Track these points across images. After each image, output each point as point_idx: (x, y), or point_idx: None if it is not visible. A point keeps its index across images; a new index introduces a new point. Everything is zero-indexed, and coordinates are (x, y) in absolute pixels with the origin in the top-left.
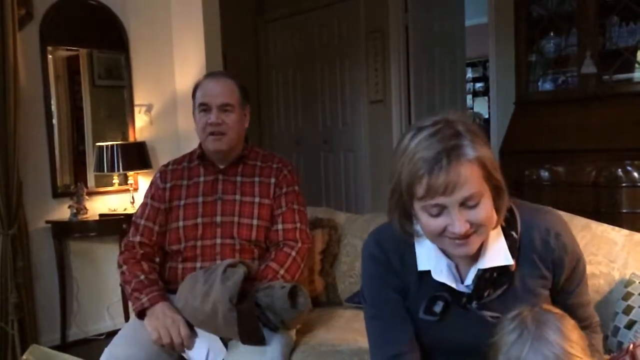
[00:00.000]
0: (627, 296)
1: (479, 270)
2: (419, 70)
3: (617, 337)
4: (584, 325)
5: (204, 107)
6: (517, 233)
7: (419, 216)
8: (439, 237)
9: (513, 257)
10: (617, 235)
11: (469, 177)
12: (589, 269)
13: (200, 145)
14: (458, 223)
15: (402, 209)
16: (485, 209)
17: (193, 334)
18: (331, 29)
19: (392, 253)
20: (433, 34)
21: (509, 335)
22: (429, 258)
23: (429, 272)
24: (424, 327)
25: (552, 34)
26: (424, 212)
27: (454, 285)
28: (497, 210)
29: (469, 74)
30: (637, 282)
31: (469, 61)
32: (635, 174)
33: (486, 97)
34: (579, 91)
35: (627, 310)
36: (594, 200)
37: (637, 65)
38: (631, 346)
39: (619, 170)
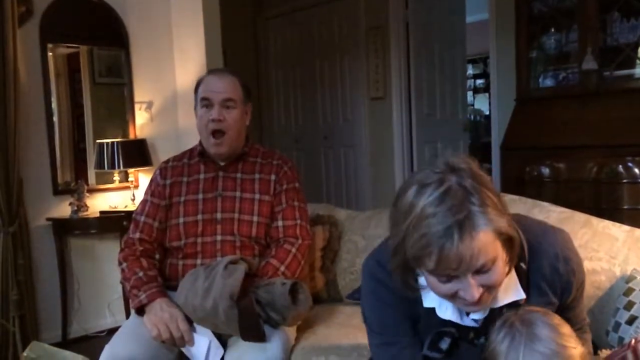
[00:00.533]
0: (629, 292)
1: (487, 310)
2: (420, 66)
3: (618, 332)
4: (576, 328)
5: (206, 103)
6: (525, 263)
7: (427, 279)
8: (449, 298)
9: (522, 288)
10: (618, 231)
11: (482, 247)
12: (590, 265)
13: (200, 142)
14: (471, 290)
15: (404, 266)
16: (499, 271)
17: (192, 330)
18: (331, 26)
19: (396, 277)
20: (434, 31)
21: (502, 344)
22: (433, 296)
23: (434, 313)
24: None
25: (552, 30)
26: (434, 277)
27: (460, 321)
28: (510, 260)
29: (470, 71)
30: (639, 277)
31: (469, 58)
32: (636, 170)
33: (487, 94)
34: (580, 87)
35: (629, 306)
36: (595, 196)
37: (638, 61)
38: (633, 341)
39: (620, 166)
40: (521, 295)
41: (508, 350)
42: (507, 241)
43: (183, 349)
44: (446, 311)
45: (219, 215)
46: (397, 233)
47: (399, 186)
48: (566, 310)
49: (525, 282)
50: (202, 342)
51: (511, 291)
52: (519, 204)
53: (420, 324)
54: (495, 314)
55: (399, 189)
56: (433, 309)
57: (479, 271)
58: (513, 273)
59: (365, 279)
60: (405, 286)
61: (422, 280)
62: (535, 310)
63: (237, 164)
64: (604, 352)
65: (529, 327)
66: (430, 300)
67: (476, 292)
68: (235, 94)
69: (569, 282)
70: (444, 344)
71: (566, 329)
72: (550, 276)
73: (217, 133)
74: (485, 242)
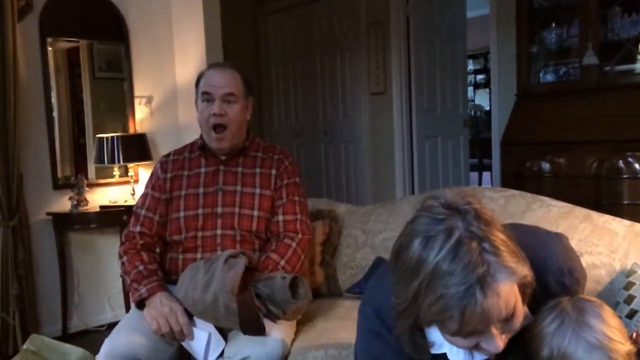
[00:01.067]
0: (629, 286)
1: None
2: (420, 62)
3: None
4: None
5: (207, 97)
6: (531, 287)
7: (444, 335)
8: (469, 349)
9: (528, 306)
10: (618, 225)
11: (506, 300)
12: (590, 259)
13: (201, 136)
14: (496, 341)
15: (413, 327)
16: (519, 313)
17: (192, 323)
18: (332, 21)
19: (404, 339)
20: (434, 26)
21: (550, 326)
22: (442, 342)
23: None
24: None
25: (553, 25)
26: (439, 328)
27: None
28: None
29: (470, 66)
30: (639, 271)
31: (470, 53)
32: (637, 166)
33: (487, 89)
34: (581, 82)
35: (629, 299)
36: (595, 191)
37: (638, 57)
38: (634, 335)
39: (620, 161)
40: (530, 318)
41: (555, 332)
42: (523, 285)
43: (183, 343)
44: (458, 354)
45: (219, 210)
46: (405, 294)
47: (396, 239)
48: None
49: (532, 300)
50: (202, 336)
51: (521, 317)
52: (519, 199)
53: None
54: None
55: (399, 242)
56: (441, 354)
57: (502, 321)
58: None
59: (361, 328)
60: (414, 348)
61: (431, 336)
62: (589, 299)
63: (238, 158)
64: None
65: (580, 314)
66: (438, 346)
67: (501, 342)
68: (237, 88)
69: (575, 292)
70: None
71: (617, 322)
72: (555, 290)
73: (218, 127)
74: (508, 293)
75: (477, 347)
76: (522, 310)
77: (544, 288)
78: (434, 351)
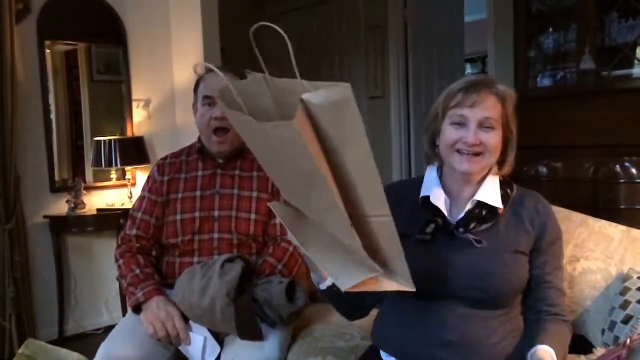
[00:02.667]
0: (625, 291)
1: (472, 201)
2: (419, 66)
3: (613, 332)
4: (555, 311)
5: (209, 101)
6: (512, 192)
7: (443, 131)
8: (452, 148)
9: (504, 206)
10: (614, 231)
11: (493, 107)
12: (587, 264)
13: (200, 139)
14: (472, 134)
15: (432, 134)
16: (496, 139)
17: (189, 328)
18: (330, 25)
19: (406, 190)
20: (432, 30)
21: None
22: (431, 186)
23: (428, 202)
24: (411, 253)
25: (551, 30)
26: (449, 122)
27: (446, 213)
28: (504, 157)
29: (468, 70)
30: (635, 277)
31: (468, 57)
32: (634, 170)
33: None
34: (578, 87)
35: (625, 305)
36: (592, 196)
37: (636, 62)
38: (628, 341)
39: (617, 166)
40: (499, 204)
41: None
42: (508, 139)
43: (180, 348)
44: (438, 200)
45: (216, 213)
46: (430, 116)
47: None
48: (540, 265)
49: (508, 204)
50: (198, 340)
51: (491, 195)
52: None
53: (414, 216)
54: (473, 215)
55: None
56: (427, 205)
57: (483, 126)
58: (498, 186)
59: None
60: (428, 151)
61: (437, 151)
62: None
63: (235, 161)
64: (600, 351)
65: None
66: (428, 189)
67: (475, 138)
68: None
69: (545, 223)
70: (429, 229)
71: None
72: (530, 211)
73: (219, 131)
74: (496, 106)
75: (457, 145)
76: (498, 143)
77: (522, 205)
78: (423, 194)
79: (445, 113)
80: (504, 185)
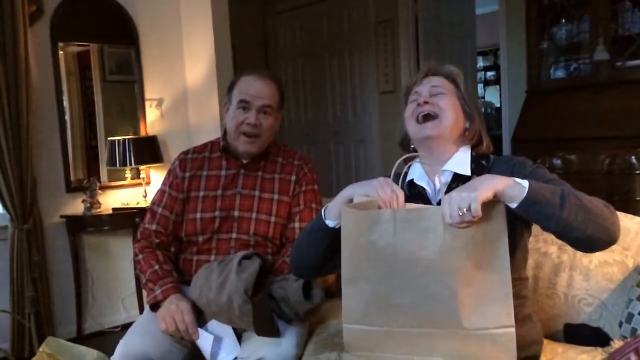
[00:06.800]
0: None
1: (443, 172)
2: (429, 59)
3: (631, 323)
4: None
5: (244, 105)
6: (488, 163)
7: (408, 108)
8: (412, 117)
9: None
10: (630, 222)
11: (444, 84)
12: (603, 257)
13: (224, 137)
14: (424, 93)
15: (401, 133)
16: (447, 102)
17: (203, 324)
18: (340, 20)
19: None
20: (443, 23)
21: None
22: (415, 172)
23: (413, 185)
24: None
25: (563, 21)
26: (410, 100)
27: (428, 190)
28: (473, 133)
29: (480, 63)
30: None
31: (479, 50)
32: None
33: (497, 86)
34: (592, 78)
35: None
36: (608, 188)
37: None
38: None
39: (633, 157)
40: (467, 172)
41: None
42: (466, 113)
43: (197, 342)
44: (421, 180)
45: (236, 213)
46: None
47: None
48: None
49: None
50: (208, 336)
51: (463, 166)
52: None
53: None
54: (450, 188)
55: None
56: (413, 189)
57: (434, 91)
58: (469, 156)
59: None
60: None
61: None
62: None
63: (259, 162)
64: (617, 343)
65: None
66: (412, 174)
67: (424, 97)
68: (274, 100)
69: (523, 163)
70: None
71: None
72: (505, 169)
73: (250, 135)
74: (445, 82)
75: (414, 112)
76: (450, 108)
77: (499, 171)
78: (408, 178)
79: (406, 101)
80: (478, 159)
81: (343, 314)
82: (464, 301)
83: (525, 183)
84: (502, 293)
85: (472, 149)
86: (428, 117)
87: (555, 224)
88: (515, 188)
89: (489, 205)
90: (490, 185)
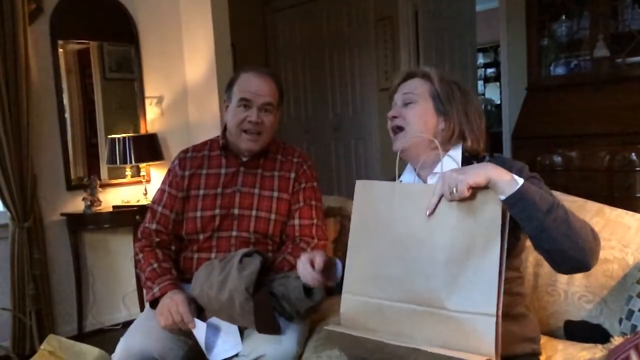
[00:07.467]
0: None
1: (432, 175)
2: (429, 56)
3: (631, 320)
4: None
5: (245, 103)
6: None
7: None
8: (390, 130)
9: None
10: (631, 219)
11: (417, 86)
12: (603, 254)
13: (224, 135)
14: (398, 104)
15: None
16: (414, 113)
17: (202, 317)
18: (340, 17)
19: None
20: (443, 20)
21: None
22: (405, 177)
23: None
24: None
25: (563, 18)
26: (392, 106)
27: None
28: (446, 123)
29: (480, 60)
30: None
31: (479, 47)
32: None
33: (498, 83)
34: (592, 75)
35: None
36: (608, 185)
37: None
38: None
39: (633, 154)
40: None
41: None
42: (443, 113)
43: (193, 332)
44: (408, 178)
45: (236, 211)
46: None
47: None
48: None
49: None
50: (202, 326)
51: (416, 118)
52: None
53: None
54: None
55: None
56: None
57: (404, 101)
58: (459, 155)
59: None
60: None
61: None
62: None
63: (258, 160)
64: (617, 340)
65: None
66: (404, 178)
67: (397, 109)
68: (274, 98)
69: (520, 169)
70: None
71: None
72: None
73: (252, 132)
74: (420, 85)
75: (390, 126)
76: (418, 115)
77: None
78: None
79: (390, 101)
80: (470, 159)
81: (344, 283)
82: (449, 280)
83: (520, 180)
84: (487, 279)
85: (465, 148)
86: (398, 130)
87: (535, 227)
88: (508, 182)
89: (485, 192)
90: (482, 172)
